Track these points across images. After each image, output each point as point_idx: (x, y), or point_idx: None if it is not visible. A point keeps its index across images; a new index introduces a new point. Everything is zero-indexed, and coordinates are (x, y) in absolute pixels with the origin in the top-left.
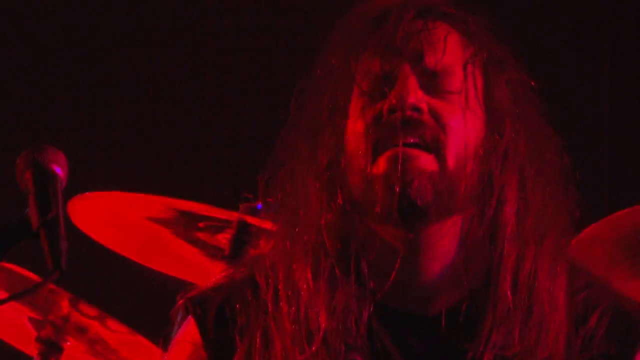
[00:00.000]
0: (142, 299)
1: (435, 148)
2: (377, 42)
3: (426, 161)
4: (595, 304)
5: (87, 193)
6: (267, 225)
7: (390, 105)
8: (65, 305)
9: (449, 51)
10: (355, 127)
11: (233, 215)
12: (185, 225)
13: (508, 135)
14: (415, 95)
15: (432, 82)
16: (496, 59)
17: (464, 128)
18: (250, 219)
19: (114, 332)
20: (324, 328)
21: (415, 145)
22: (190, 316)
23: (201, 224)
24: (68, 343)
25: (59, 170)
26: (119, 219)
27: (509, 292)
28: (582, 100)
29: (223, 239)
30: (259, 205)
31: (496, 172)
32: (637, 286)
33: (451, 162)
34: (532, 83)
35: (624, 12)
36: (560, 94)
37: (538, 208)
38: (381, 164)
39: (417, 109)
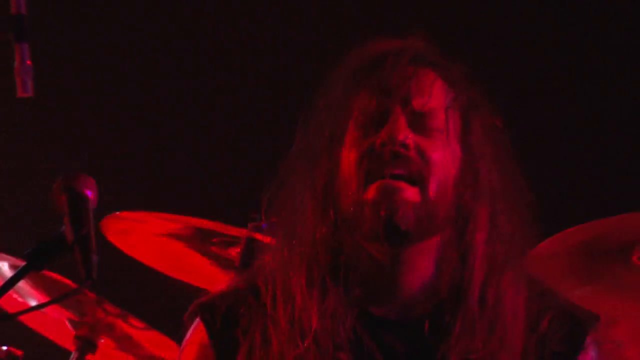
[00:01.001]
0: (164, 302)
1: (419, 180)
2: (374, 83)
3: (410, 193)
4: (546, 310)
5: (118, 213)
6: (271, 241)
7: (382, 140)
8: (98, 308)
9: (434, 96)
10: (350, 156)
11: (242, 232)
12: (201, 240)
13: (482, 171)
14: (404, 133)
15: (418, 121)
16: (474, 104)
17: (444, 163)
18: (257, 236)
19: (137, 329)
20: (315, 329)
21: (401, 177)
22: (199, 319)
23: (215, 240)
24: (102, 340)
25: (90, 193)
26: (145, 235)
27: (476, 306)
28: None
29: (233, 253)
30: (264, 224)
31: (470, 203)
32: (582, 294)
33: (432, 193)
34: (502, 126)
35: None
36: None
37: (505, 235)
38: (370, 192)
39: (404, 145)
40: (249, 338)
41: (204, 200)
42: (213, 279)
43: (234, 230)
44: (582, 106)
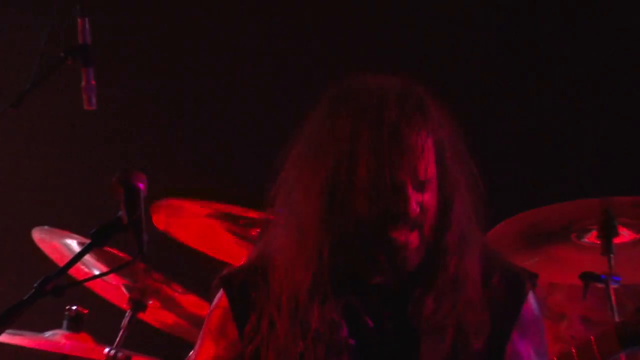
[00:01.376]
0: (198, 272)
1: (419, 227)
2: (380, 148)
3: (412, 239)
4: (495, 269)
5: (164, 200)
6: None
7: (397, 209)
8: (147, 276)
9: (430, 160)
10: (364, 203)
11: (261, 215)
12: (229, 221)
13: (455, 202)
14: (414, 207)
15: (420, 185)
16: (451, 152)
17: (434, 204)
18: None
19: (178, 293)
20: (314, 329)
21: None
22: (222, 288)
23: (241, 222)
24: (150, 302)
25: (141, 185)
26: (184, 218)
27: (448, 276)
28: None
29: (254, 232)
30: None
31: (446, 219)
32: (530, 265)
33: (427, 232)
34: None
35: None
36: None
37: (471, 223)
38: (385, 238)
39: (413, 212)
40: (257, 315)
41: (232, 188)
42: (237, 254)
43: (254, 213)
44: (518, 115)
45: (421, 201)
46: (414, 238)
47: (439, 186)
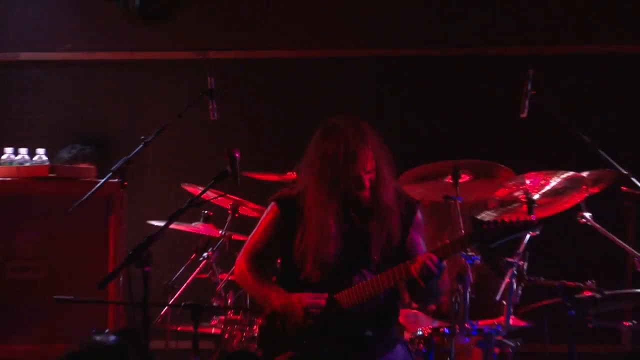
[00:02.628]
0: (256, 200)
1: (369, 189)
2: (354, 156)
3: (366, 194)
4: (402, 199)
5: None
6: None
7: (359, 184)
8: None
9: (370, 159)
10: (347, 180)
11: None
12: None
13: (383, 176)
14: (367, 182)
15: (368, 173)
16: (380, 154)
17: (374, 180)
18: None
19: (251, 210)
20: (333, 234)
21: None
22: (274, 203)
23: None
24: (237, 215)
25: (237, 155)
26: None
27: (382, 204)
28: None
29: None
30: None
31: (378, 180)
32: (419, 193)
33: (372, 190)
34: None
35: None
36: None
37: (390, 186)
38: (355, 194)
39: (366, 184)
40: (294, 222)
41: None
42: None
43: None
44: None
45: (369, 179)
46: (367, 193)
47: (376, 170)
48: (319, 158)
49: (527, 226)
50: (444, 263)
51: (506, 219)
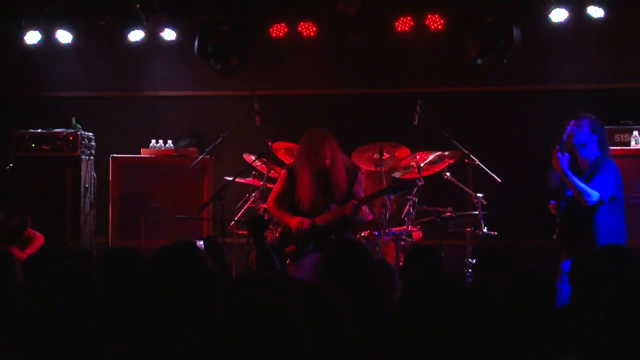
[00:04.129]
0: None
1: (329, 169)
2: (318, 151)
3: (330, 170)
4: (349, 168)
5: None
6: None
7: (324, 167)
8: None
9: (329, 153)
10: (316, 164)
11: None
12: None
13: (335, 157)
14: (328, 165)
15: (329, 160)
16: (335, 148)
17: (332, 162)
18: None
19: (276, 172)
20: (310, 187)
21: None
22: (285, 171)
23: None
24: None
25: (270, 143)
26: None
27: (335, 173)
28: None
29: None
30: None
31: (333, 160)
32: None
33: (331, 169)
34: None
35: None
36: None
37: (340, 163)
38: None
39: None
40: (296, 179)
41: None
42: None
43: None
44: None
45: (328, 159)
46: (328, 165)
47: (332, 155)
48: (303, 148)
49: (412, 184)
50: (363, 206)
51: (400, 179)
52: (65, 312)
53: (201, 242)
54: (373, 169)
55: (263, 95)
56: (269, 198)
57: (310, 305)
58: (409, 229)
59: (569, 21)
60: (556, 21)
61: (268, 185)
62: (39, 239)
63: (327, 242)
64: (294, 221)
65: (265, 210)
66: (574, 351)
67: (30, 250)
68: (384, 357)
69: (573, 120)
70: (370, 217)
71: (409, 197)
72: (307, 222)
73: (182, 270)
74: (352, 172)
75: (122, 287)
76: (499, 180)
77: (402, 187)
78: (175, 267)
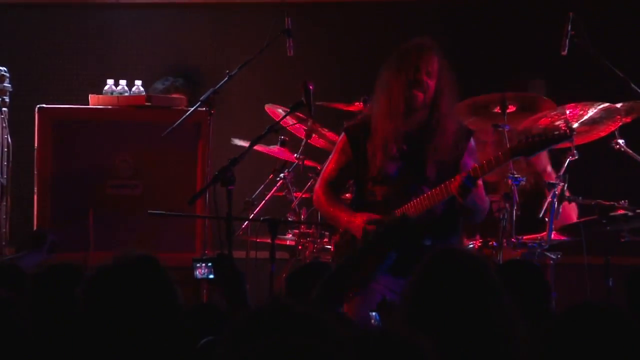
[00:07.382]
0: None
1: (432, 108)
2: (413, 66)
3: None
4: (458, 125)
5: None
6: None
7: (421, 81)
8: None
9: (433, 67)
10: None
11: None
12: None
13: (444, 87)
14: (426, 80)
15: (429, 78)
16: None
17: (438, 98)
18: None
19: (318, 133)
20: (390, 151)
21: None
22: (343, 133)
23: None
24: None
25: (312, 87)
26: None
27: (440, 128)
28: None
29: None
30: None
31: (438, 100)
32: (471, 122)
33: (429, 108)
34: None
35: None
36: None
37: (451, 102)
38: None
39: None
40: (361, 147)
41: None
42: None
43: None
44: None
45: (429, 83)
46: (421, 97)
47: (436, 90)
48: (389, 71)
49: (560, 137)
50: (479, 181)
51: (537, 135)
52: None
53: (205, 265)
54: (487, 135)
55: (297, 4)
56: (316, 184)
57: None
58: (552, 237)
59: None
60: None
61: (307, 162)
62: None
63: (417, 252)
64: (357, 221)
65: (310, 210)
66: None
67: None
68: None
69: None
70: (486, 206)
71: (552, 181)
72: (377, 217)
73: (134, 308)
74: (464, 134)
75: (53, 331)
76: None
77: (539, 145)
78: (124, 302)
